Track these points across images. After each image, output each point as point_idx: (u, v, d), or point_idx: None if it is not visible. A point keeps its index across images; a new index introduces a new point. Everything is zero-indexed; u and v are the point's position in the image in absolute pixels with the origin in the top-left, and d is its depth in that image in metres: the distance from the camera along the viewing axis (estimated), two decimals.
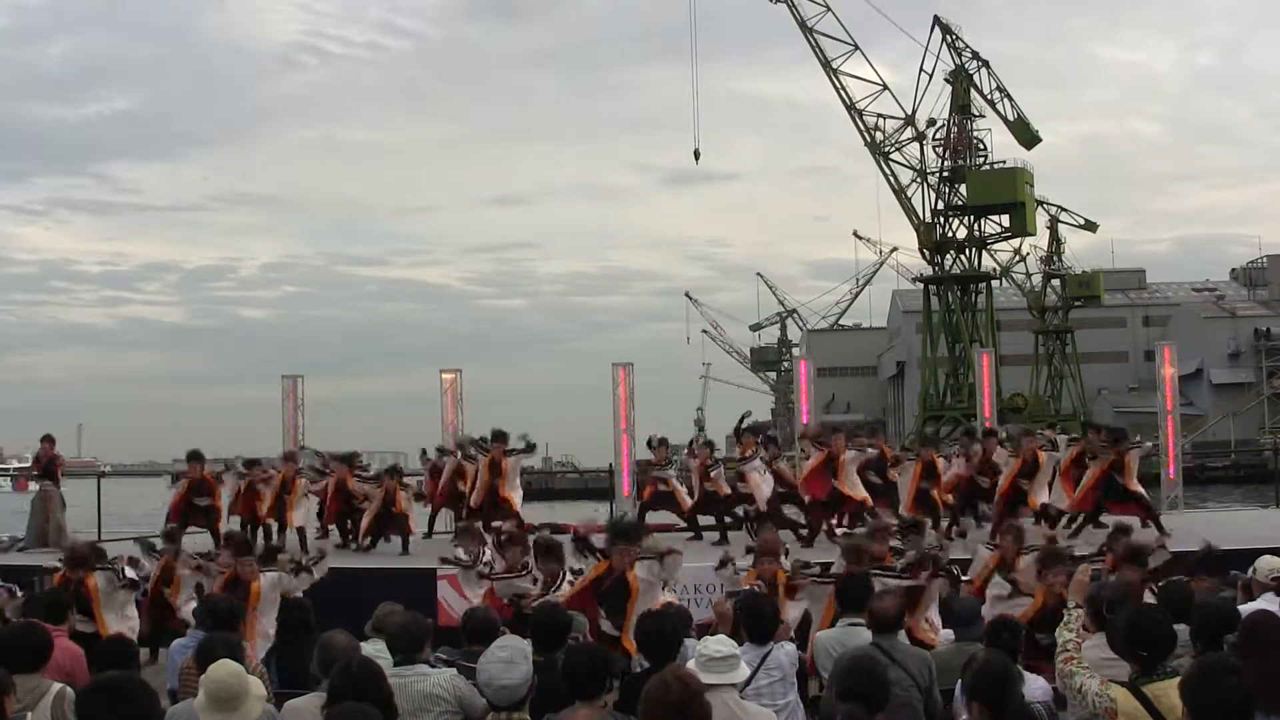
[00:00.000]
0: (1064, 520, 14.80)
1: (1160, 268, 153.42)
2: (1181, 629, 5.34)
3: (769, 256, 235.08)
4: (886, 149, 72.46)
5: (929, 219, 72.87)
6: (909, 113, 72.03)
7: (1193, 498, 23.02)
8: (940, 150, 72.68)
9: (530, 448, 15.59)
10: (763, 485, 14.76)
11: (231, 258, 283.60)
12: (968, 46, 72.53)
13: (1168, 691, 4.51)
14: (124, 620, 9.95)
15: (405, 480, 15.97)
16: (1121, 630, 5.01)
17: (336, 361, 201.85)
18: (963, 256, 73.85)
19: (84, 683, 5.16)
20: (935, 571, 8.95)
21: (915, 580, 8.80)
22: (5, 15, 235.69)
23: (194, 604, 9.43)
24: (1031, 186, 72.36)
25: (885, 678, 4.95)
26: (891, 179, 72.79)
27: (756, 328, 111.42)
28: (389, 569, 13.90)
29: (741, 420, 16.71)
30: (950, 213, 73.15)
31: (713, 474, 15.27)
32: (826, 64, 71.66)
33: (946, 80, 72.44)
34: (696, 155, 71.33)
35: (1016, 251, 75.14)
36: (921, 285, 76.99)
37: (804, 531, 14.82)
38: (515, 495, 15.15)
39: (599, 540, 9.33)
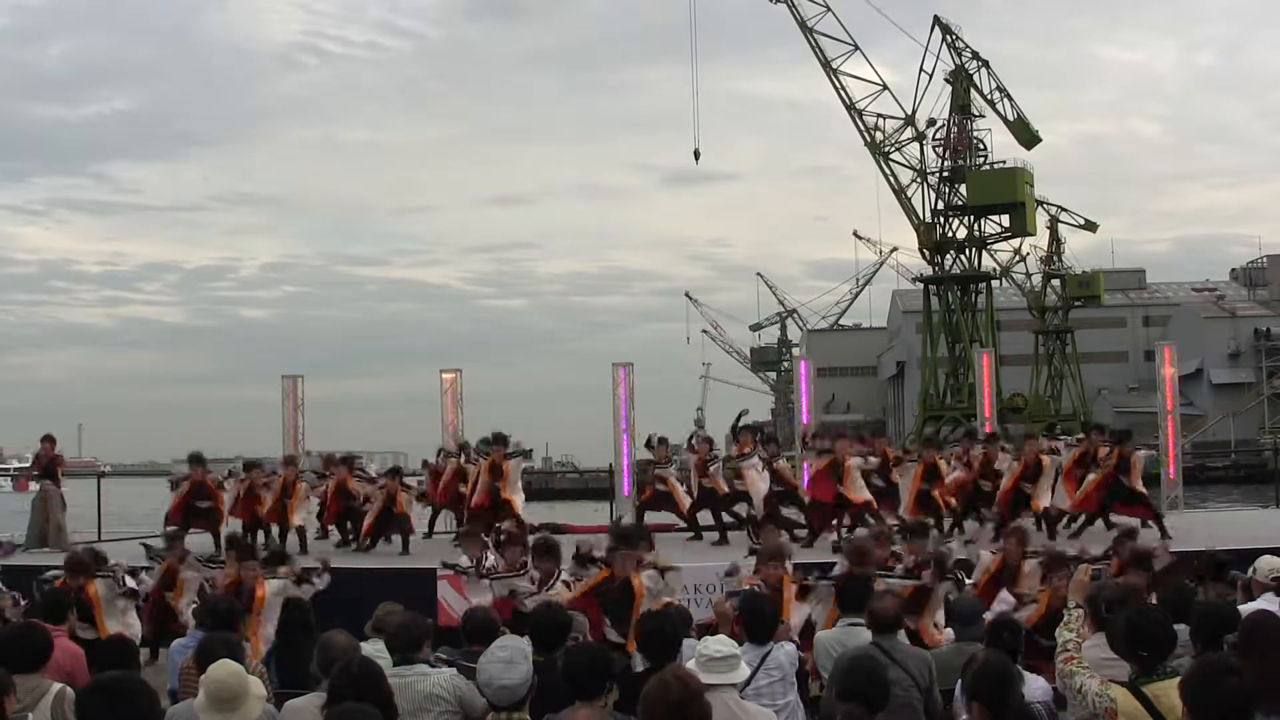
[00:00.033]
0: (1064, 520, 14.81)
1: (1160, 268, 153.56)
2: (1181, 629, 5.33)
3: (769, 256, 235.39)
4: (886, 149, 72.49)
5: (929, 219, 72.91)
6: (909, 113, 72.15)
7: (1193, 498, 23.00)
8: (940, 150, 72.73)
9: (526, 454, 15.73)
10: (759, 483, 14.77)
11: (231, 258, 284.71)
12: (968, 46, 72.67)
13: (1168, 691, 4.52)
14: (126, 628, 9.93)
15: (406, 481, 16.03)
16: (1121, 630, 5.01)
17: (336, 361, 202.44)
18: (963, 256, 73.88)
19: (84, 683, 5.15)
20: (941, 573, 8.94)
21: (920, 580, 8.79)
22: (5, 15, 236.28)
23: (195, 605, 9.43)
24: (1031, 186, 72.38)
25: (885, 678, 4.95)
26: (891, 179, 72.86)
27: (756, 328, 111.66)
28: (389, 569, 13.90)
29: (738, 418, 16.70)
30: (950, 213, 73.19)
31: (711, 469, 15.27)
32: (826, 64, 71.70)
33: (946, 80, 72.49)
34: (696, 155, 71.44)
35: (1016, 251, 75.32)
36: (921, 285, 77.02)
37: (803, 532, 14.82)
38: (517, 498, 15.21)
39: (599, 552, 9.35)
